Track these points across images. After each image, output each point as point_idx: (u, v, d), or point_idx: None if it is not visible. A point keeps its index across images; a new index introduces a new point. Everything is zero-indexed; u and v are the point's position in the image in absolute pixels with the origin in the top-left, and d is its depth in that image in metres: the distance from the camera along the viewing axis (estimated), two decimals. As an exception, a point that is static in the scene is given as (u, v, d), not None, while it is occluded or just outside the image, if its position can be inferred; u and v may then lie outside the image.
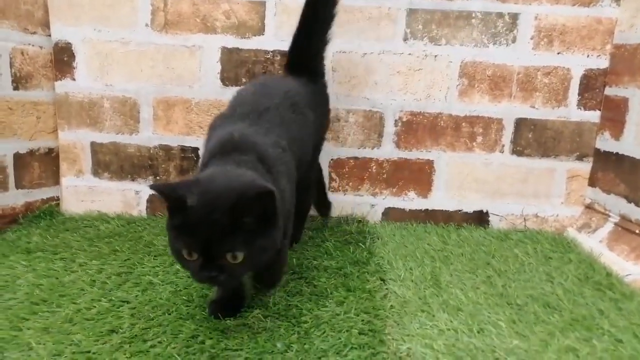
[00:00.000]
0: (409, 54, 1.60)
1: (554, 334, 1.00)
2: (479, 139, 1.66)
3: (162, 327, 0.98)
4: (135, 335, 0.95)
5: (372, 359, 0.90)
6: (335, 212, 1.70)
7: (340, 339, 0.96)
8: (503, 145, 1.66)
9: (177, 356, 0.88)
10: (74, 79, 1.65)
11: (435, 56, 1.61)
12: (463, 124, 1.65)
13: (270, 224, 0.92)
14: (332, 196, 1.70)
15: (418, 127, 1.65)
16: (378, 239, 1.54)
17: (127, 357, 0.88)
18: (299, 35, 1.39)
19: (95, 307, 1.06)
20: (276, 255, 0.99)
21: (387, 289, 1.19)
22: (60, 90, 1.65)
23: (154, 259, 1.33)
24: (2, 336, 0.93)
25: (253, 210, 0.88)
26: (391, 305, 1.10)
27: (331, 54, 1.60)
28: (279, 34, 1.59)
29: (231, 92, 1.61)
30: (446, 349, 0.93)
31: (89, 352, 0.89)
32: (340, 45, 1.59)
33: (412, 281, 1.23)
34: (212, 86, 1.63)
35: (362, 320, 1.03)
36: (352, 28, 1.59)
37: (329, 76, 1.62)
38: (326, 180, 1.69)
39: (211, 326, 0.99)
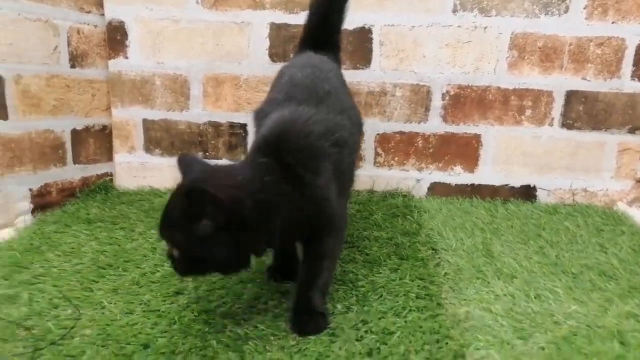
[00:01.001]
0: (458, 26, 1.59)
1: (612, 301, 0.99)
2: (528, 112, 1.63)
3: (225, 290, 1.02)
4: (200, 296, 0.99)
5: (431, 321, 0.91)
6: (380, 186, 1.72)
7: (397, 302, 0.98)
8: (553, 119, 1.64)
9: (242, 314, 0.92)
10: (126, 57, 1.69)
11: (485, 28, 1.59)
12: (512, 97, 1.63)
13: (231, 232, 0.80)
14: (377, 171, 1.71)
15: (466, 101, 1.64)
16: (425, 212, 1.54)
17: (195, 315, 0.92)
18: (320, 4, 1.26)
19: (159, 271, 1.11)
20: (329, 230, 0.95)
21: (439, 257, 1.20)
22: (114, 68, 1.70)
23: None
24: (77, 296, 0.99)
25: (191, 209, 0.79)
26: (445, 273, 1.12)
27: (379, 28, 1.60)
28: (326, 9, 1.60)
29: (279, 67, 1.65)
30: (504, 312, 0.94)
31: (158, 310, 0.94)
32: (389, 19, 1.59)
33: (464, 251, 1.24)
34: (261, 62, 1.65)
35: (418, 286, 1.05)
36: (401, 1, 1.58)
37: (376, 50, 1.63)
38: (371, 155, 1.70)
39: (272, 289, 1.03)
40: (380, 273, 1.11)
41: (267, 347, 0.82)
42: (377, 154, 1.70)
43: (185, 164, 0.90)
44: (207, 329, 0.87)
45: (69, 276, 1.07)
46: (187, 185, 0.83)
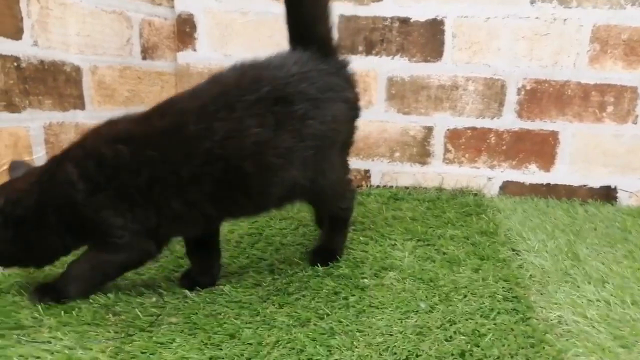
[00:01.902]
0: (536, 18, 1.52)
1: None
2: (610, 108, 1.55)
3: (303, 283, 1.00)
4: (279, 288, 0.98)
5: (522, 324, 0.86)
6: (449, 184, 1.66)
7: (484, 303, 0.93)
8: (637, 116, 1.54)
9: (324, 308, 0.90)
10: (194, 50, 1.71)
11: (565, 20, 1.51)
12: (592, 92, 1.54)
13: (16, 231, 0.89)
14: (446, 168, 1.66)
15: (542, 96, 1.57)
16: (499, 211, 1.48)
17: (276, 308, 0.90)
18: None
19: (235, 262, 1.10)
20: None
21: (521, 259, 1.15)
22: (182, 60, 1.72)
23: (279, 221, 1.36)
24: (159, 284, 0.99)
25: None
26: (530, 275, 1.06)
27: (452, 19, 1.55)
28: (398, 0, 1.56)
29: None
30: (600, 319, 0.89)
31: (239, 301, 0.93)
32: (462, 10, 1.54)
33: (547, 252, 1.18)
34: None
35: (503, 288, 1.00)
36: (476, -9, 1.53)
37: (448, 42, 1.58)
38: (441, 151, 1.66)
39: (350, 284, 1.00)
40: (461, 273, 1.06)
41: (354, 343, 0.80)
42: (446, 150, 1.65)
43: (12, 170, 0.98)
44: (291, 322, 0.85)
45: (150, 265, 1.08)
46: None
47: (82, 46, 1.38)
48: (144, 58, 1.62)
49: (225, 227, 1.30)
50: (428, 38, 1.58)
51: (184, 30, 1.70)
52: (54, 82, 1.28)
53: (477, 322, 0.87)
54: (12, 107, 1.15)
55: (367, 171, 1.71)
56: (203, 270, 1.02)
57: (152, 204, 0.89)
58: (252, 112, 0.88)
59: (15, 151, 1.17)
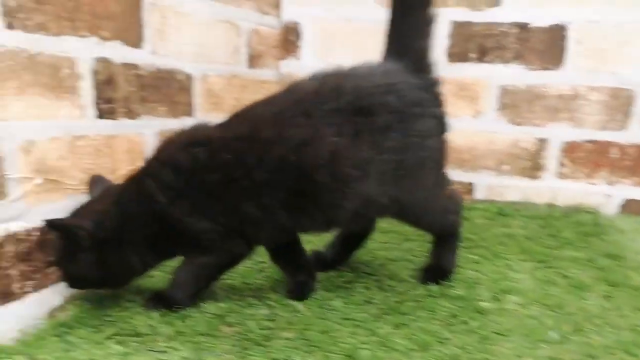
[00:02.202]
0: (674, 21, 1.37)
1: None
2: None
3: (417, 303, 0.95)
4: (392, 307, 0.93)
5: (674, 366, 0.76)
6: (561, 200, 1.54)
7: (624, 336, 0.84)
8: None
9: (444, 332, 0.84)
10: (298, 59, 1.71)
11: None
12: None
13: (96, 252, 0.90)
14: (559, 183, 1.54)
15: (676, 108, 1.42)
16: (621, 232, 1.35)
17: (391, 328, 0.86)
18: None
19: (342, 276, 1.07)
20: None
21: (659, 288, 1.03)
22: (285, 69, 1.73)
23: (381, 234, 1.31)
24: (267, 295, 0.98)
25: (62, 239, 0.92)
26: (674, 308, 0.94)
27: (576, 25, 1.44)
28: (517, 5, 1.47)
29: (457, 68, 1.56)
30: None
31: (352, 318, 0.89)
32: (589, 14, 1.42)
33: (690, 282, 1.05)
34: (438, 62, 1.56)
35: (644, 320, 0.89)
36: (605, -6, 1.41)
37: (570, 49, 1.46)
38: (554, 165, 1.54)
39: (468, 306, 0.94)
40: (590, 300, 0.97)
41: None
42: (561, 165, 1.54)
43: (91, 184, 0.99)
44: (410, 345, 0.80)
45: (255, 274, 1.08)
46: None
47: (195, 55, 1.41)
48: (250, 67, 1.65)
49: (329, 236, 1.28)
50: (548, 45, 1.47)
51: (289, 39, 1.71)
52: (168, 90, 1.32)
53: (618, 357, 0.78)
54: (130, 114, 1.19)
55: (470, 184, 1.62)
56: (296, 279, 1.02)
57: (229, 206, 0.89)
58: (330, 121, 0.86)
59: (131, 157, 1.21)
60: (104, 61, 1.09)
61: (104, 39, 1.08)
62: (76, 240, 0.88)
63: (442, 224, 1.05)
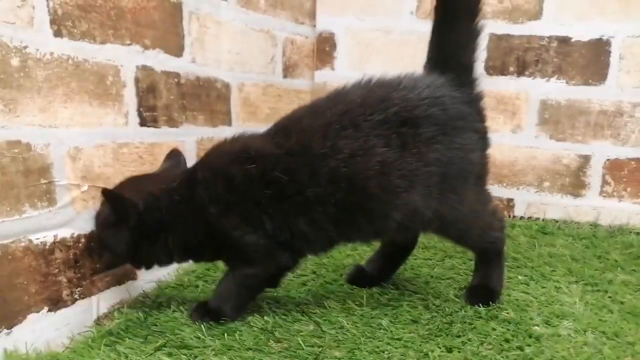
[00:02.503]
0: None
1: None
2: None
3: (466, 325, 0.91)
4: (440, 328, 0.90)
5: None
6: (606, 220, 1.50)
7: (690, 370, 0.79)
8: None
9: (499, 358, 0.80)
10: (333, 69, 1.69)
11: None
12: None
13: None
14: (603, 202, 1.50)
15: None
16: (671, 256, 1.30)
17: (443, 351, 0.82)
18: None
19: (386, 293, 1.04)
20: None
21: None
22: (319, 79, 1.71)
23: (422, 251, 1.28)
24: (315, 311, 0.95)
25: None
26: None
27: (620, 39, 1.40)
28: (559, 18, 1.44)
29: (495, 81, 1.53)
30: None
31: (401, 339, 0.86)
32: (633, 29, 1.39)
33: None
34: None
35: None
36: (652, 8, 1.37)
37: (614, 64, 1.43)
38: (598, 183, 1.50)
39: (520, 331, 0.89)
40: (648, 328, 0.92)
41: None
42: (604, 183, 1.49)
43: (169, 157, 1.01)
44: (464, 370, 0.77)
45: (298, 287, 1.05)
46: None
47: (232, 63, 1.40)
48: (285, 76, 1.63)
49: (368, 252, 1.25)
50: (590, 59, 1.44)
51: (324, 49, 1.69)
52: (207, 99, 1.31)
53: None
54: (171, 122, 1.18)
55: (510, 200, 1.58)
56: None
57: (279, 222, 0.88)
58: (378, 132, 0.85)
59: (171, 165, 1.20)
60: (146, 69, 1.08)
61: (146, 47, 1.07)
62: (124, 214, 0.87)
63: (485, 241, 1.01)
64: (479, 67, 1.51)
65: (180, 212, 0.90)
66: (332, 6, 1.65)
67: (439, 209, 0.90)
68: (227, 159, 0.91)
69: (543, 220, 1.55)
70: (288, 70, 1.64)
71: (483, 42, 1.50)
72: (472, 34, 0.94)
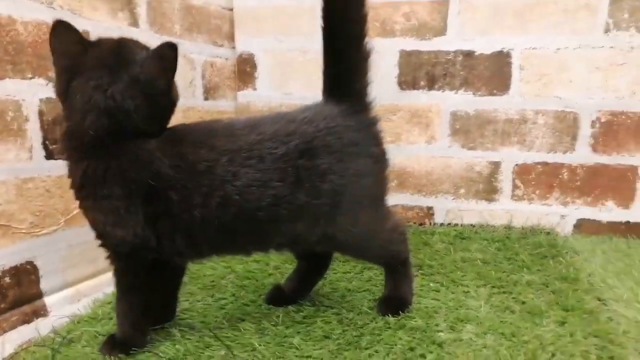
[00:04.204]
0: (611, 47, 1.44)
1: None
2: (696, 140, 1.44)
3: (375, 336, 0.95)
4: (350, 342, 0.93)
5: (624, 391, 0.78)
6: (518, 222, 1.58)
7: (575, 364, 0.85)
8: None
9: (402, 368, 0.84)
10: (255, 89, 1.72)
11: (643, 48, 1.43)
12: (676, 124, 1.44)
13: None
14: (515, 205, 1.58)
15: (619, 129, 1.47)
16: (576, 253, 1.39)
17: (350, 365, 0.86)
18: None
19: (302, 310, 1.06)
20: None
21: (610, 310, 1.05)
22: (242, 99, 1.73)
23: (342, 264, 1.31)
24: (227, 335, 0.96)
25: None
26: (624, 331, 0.97)
27: (519, 51, 1.49)
28: (462, 33, 1.52)
29: (408, 95, 1.60)
30: None
31: (310, 356, 0.88)
32: (530, 41, 1.48)
33: (638, 303, 1.08)
34: (389, 91, 1.60)
35: (595, 346, 0.91)
36: (544, 22, 1.46)
37: (515, 75, 1.52)
38: (509, 187, 1.58)
39: (426, 338, 0.94)
40: (545, 327, 0.98)
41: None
42: (515, 187, 1.58)
43: None
44: (367, 384, 0.80)
45: (215, 311, 1.06)
46: None
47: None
48: (206, 98, 1.64)
49: (289, 271, 1.27)
50: (494, 71, 1.52)
51: (245, 70, 1.71)
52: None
53: (571, 387, 0.79)
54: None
55: (430, 208, 1.65)
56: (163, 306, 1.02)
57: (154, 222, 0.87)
58: (278, 166, 0.87)
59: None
60: (51, 101, 1.07)
61: (50, 79, 1.06)
62: None
63: (387, 256, 1.05)
64: (392, 82, 1.59)
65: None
66: (250, 28, 1.68)
67: (327, 232, 0.93)
68: (147, 149, 0.86)
69: (461, 225, 1.62)
70: (209, 92, 1.65)
71: (394, 58, 1.58)
72: (360, 59, 0.96)
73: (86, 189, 0.85)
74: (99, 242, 0.90)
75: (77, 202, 0.88)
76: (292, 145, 0.88)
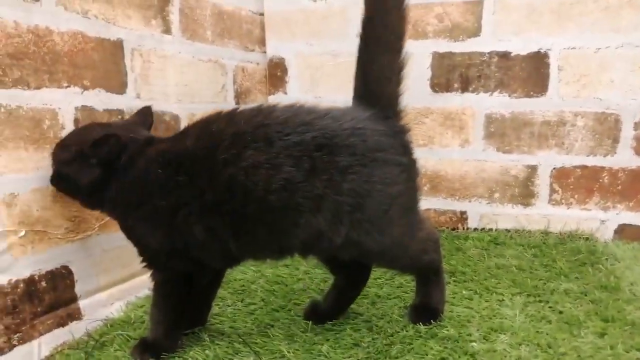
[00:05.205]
0: (655, 46, 1.38)
1: None
2: None
3: (405, 345, 0.93)
4: (380, 350, 0.92)
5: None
6: (556, 227, 1.53)
7: (616, 378, 0.82)
8: None
9: (431, 378, 0.82)
10: (285, 93, 1.72)
11: (690, 46, 1.36)
12: None
13: None
14: (552, 210, 1.53)
15: (664, 131, 1.41)
16: (617, 260, 1.33)
17: (379, 375, 0.84)
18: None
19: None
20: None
21: (654, 321, 1.01)
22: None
23: (373, 270, 1.29)
24: (256, 341, 0.96)
25: None
26: (668, 343, 0.92)
27: (557, 51, 1.45)
28: (497, 33, 1.49)
29: (441, 98, 1.57)
30: None
31: (340, 365, 0.88)
32: (569, 41, 1.43)
33: (684, 314, 1.03)
34: (422, 93, 1.57)
35: (638, 359, 0.87)
36: (584, 21, 1.41)
37: (553, 76, 1.47)
38: (546, 191, 1.53)
39: (458, 348, 0.91)
40: (583, 338, 0.95)
41: None
42: (553, 191, 1.53)
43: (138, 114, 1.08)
44: (397, 394, 0.79)
45: (244, 317, 1.07)
46: None
47: (180, 95, 1.42)
48: (237, 103, 1.65)
49: (319, 276, 1.27)
50: (530, 72, 1.48)
51: (276, 74, 1.72)
52: (155, 132, 1.30)
53: (611, 403, 0.76)
54: (117, 159, 1.19)
55: (463, 213, 1.61)
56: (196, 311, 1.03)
57: (175, 227, 0.89)
58: (290, 152, 0.85)
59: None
60: (86, 109, 1.09)
61: (86, 87, 1.09)
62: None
63: (419, 266, 1.02)
64: (424, 85, 1.56)
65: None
66: (281, 32, 1.69)
67: (352, 236, 0.89)
68: (144, 162, 0.92)
69: (496, 230, 1.58)
70: (240, 96, 1.66)
71: (427, 61, 1.56)
72: (395, 67, 0.94)
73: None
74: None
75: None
76: (308, 137, 0.86)
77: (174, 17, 1.36)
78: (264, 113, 0.91)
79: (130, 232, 0.95)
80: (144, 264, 0.95)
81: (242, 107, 0.95)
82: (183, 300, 0.96)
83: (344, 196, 0.87)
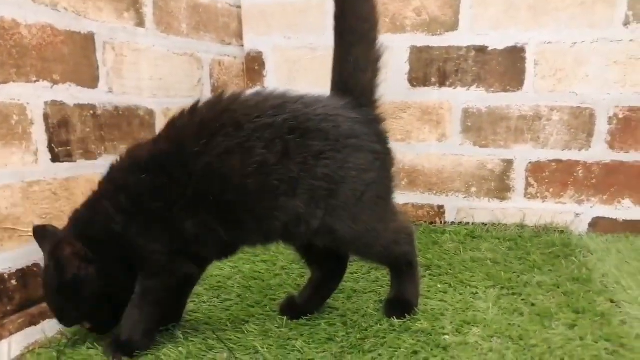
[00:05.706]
0: (630, 41, 1.39)
1: None
2: None
3: (379, 339, 0.94)
4: (353, 345, 0.92)
5: (634, 399, 0.76)
6: (531, 220, 1.55)
7: (584, 369, 0.83)
8: None
9: (404, 373, 0.83)
10: (263, 87, 1.71)
11: (663, 41, 1.38)
12: (697, 119, 1.39)
13: None
14: (528, 203, 1.55)
15: (638, 125, 1.43)
16: (590, 253, 1.35)
17: (352, 369, 0.85)
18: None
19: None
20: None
21: (623, 313, 1.02)
22: (252, 97, 1.72)
23: (349, 264, 1.29)
24: (230, 337, 0.96)
25: None
26: (637, 334, 0.94)
27: (534, 46, 1.46)
28: (475, 28, 1.49)
29: (419, 93, 1.57)
30: None
31: (312, 359, 0.88)
32: (545, 36, 1.44)
33: (653, 305, 1.05)
34: (400, 88, 1.58)
35: (606, 350, 0.88)
36: (560, 16, 1.42)
37: (529, 70, 1.48)
38: (522, 185, 1.55)
39: (430, 341, 0.92)
40: (554, 329, 0.96)
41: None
42: (528, 185, 1.54)
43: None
44: (368, 389, 0.79)
45: (220, 313, 1.06)
46: None
47: (155, 89, 1.40)
48: (215, 97, 1.64)
49: (295, 271, 1.26)
50: (507, 67, 1.49)
51: (253, 68, 1.71)
52: (129, 127, 1.31)
53: (578, 393, 0.77)
54: (88, 154, 1.17)
55: (440, 207, 1.62)
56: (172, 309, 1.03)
57: (172, 227, 0.89)
58: (261, 135, 0.86)
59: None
60: (56, 104, 1.07)
61: (56, 82, 1.07)
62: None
63: (391, 257, 1.03)
64: (402, 79, 1.56)
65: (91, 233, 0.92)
66: (258, 26, 1.67)
67: (327, 221, 0.90)
68: (121, 172, 0.93)
69: (472, 224, 1.59)
70: (217, 91, 1.64)
71: (404, 55, 1.56)
72: (370, 57, 0.96)
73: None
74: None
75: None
76: (279, 119, 0.87)
77: (148, 9, 1.34)
78: (228, 100, 0.91)
79: (136, 243, 0.91)
80: (146, 273, 0.93)
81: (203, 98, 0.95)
82: (168, 305, 0.96)
83: (320, 181, 0.87)
